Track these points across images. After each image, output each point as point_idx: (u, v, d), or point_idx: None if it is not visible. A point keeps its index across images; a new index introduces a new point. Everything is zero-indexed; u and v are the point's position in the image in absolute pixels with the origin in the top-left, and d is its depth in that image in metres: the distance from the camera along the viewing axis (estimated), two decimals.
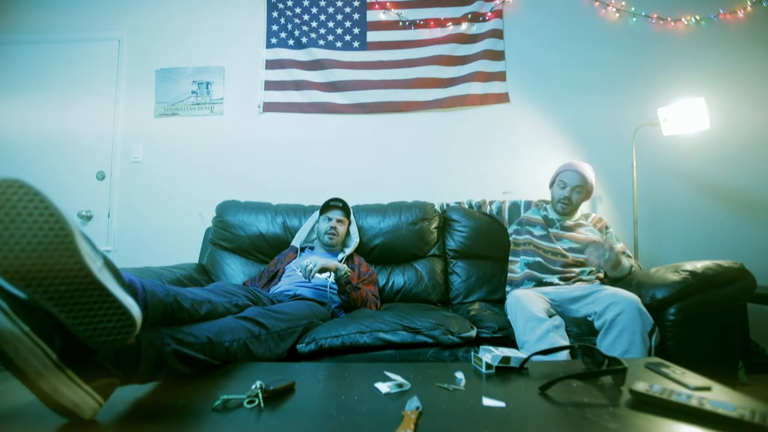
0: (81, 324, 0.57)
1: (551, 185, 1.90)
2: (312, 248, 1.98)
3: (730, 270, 1.44)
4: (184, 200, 2.52)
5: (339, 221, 1.90)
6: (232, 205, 2.18)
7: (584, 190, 1.79)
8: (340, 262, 1.82)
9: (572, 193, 1.78)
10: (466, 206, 2.18)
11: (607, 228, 1.86)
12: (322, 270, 1.51)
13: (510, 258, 1.91)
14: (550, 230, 1.83)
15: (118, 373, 0.66)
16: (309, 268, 1.44)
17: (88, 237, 0.60)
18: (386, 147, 2.52)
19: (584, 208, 2.03)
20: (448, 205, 2.23)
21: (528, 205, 1.97)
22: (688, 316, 1.36)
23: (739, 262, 1.47)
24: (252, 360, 0.99)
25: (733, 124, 2.38)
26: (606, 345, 1.31)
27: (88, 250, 0.59)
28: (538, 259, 1.78)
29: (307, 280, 1.46)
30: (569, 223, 1.83)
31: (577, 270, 1.73)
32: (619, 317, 1.30)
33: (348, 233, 1.99)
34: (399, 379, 0.78)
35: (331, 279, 1.73)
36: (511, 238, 1.95)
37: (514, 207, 1.99)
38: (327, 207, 1.94)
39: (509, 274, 1.87)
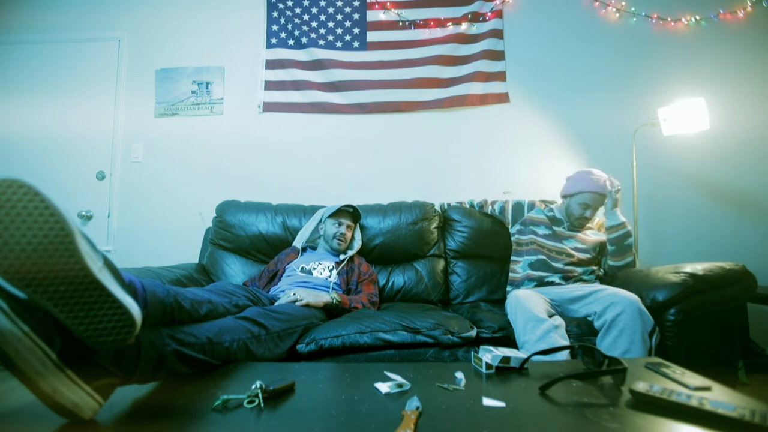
0: (81, 324, 0.57)
1: (569, 196, 1.83)
2: (314, 248, 1.98)
3: (731, 272, 1.43)
4: (184, 200, 2.51)
5: (348, 227, 1.91)
6: (232, 205, 2.18)
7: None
8: (342, 262, 1.83)
9: (593, 214, 1.80)
10: (467, 206, 2.17)
11: None
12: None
13: (512, 258, 1.91)
14: (556, 229, 1.83)
15: (118, 373, 0.66)
16: (295, 300, 1.42)
17: (88, 237, 0.60)
18: (386, 147, 2.52)
19: None
20: (449, 204, 2.23)
21: (531, 205, 1.97)
22: (688, 316, 1.35)
23: (740, 263, 1.46)
24: (252, 360, 0.99)
25: (733, 124, 2.38)
26: (606, 345, 1.31)
27: (89, 250, 0.59)
28: (542, 257, 1.78)
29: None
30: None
31: (579, 270, 1.74)
32: (620, 317, 1.31)
33: (353, 236, 2.00)
34: (399, 379, 0.78)
35: (333, 279, 1.74)
36: (513, 239, 1.95)
37: (518, 207, 1.99)
38: (339, 212, 1.93)
39: (511, 274, 1.87)
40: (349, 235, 1.91)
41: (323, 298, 1.50)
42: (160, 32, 2.62)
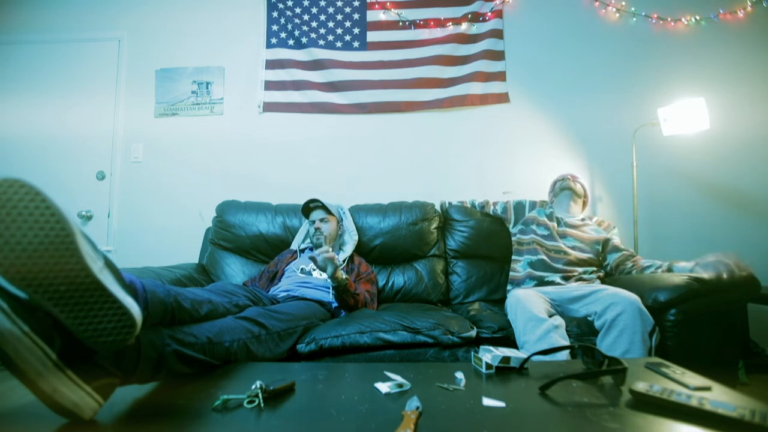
0: (81, 324, 0.57)
1: (553, 192, 2.01)
2: (312, 248, 1.98)
3: (738, 276, 1.42)
4: (184, 200, 2.52)
5: (321, 220, 1.89)
6: (232, 205, 2.18)
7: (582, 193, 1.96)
8: (342, 262, 1.82)
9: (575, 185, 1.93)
10: (469, 206, 2.18)
11: (612, 228, 1.87)
12: (324, 264, 1.46)
13: (513, 257, 1.91)
14: (554, 228, 1.83)
15: (118, 373, 0.66)
16: (322, 255, 1.43)
17: (88, 237, 0.60)
18: (386, 147, 2.52)
19: (586, 211, 2.05)
20: (449, 203, 2.22)
21: (533, 204, 1.98)
22: (689, 316, 1.35)
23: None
24: (252, 360, 0.99)
25: (733, 124, 2.38)
26: (606, 345, 1.31)
27: (89, 250, 0.59)
28: (542, 257, 1.78)
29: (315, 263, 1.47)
30: (574, 222, 1.84)
31: (579, 270, 1.74)
32: (620, 317, 1.30)
33: (341, 229, 1.98)
34: (399, 379, 0.78)
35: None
36: (515, 238, 1.95)
37: (520, 206, 2.00)
38: (307, 210, 1.95)
39: (511, 273, 1.87)
40: (326, 227, 1.88)
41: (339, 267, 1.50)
42: (160, 32, 2.62)
